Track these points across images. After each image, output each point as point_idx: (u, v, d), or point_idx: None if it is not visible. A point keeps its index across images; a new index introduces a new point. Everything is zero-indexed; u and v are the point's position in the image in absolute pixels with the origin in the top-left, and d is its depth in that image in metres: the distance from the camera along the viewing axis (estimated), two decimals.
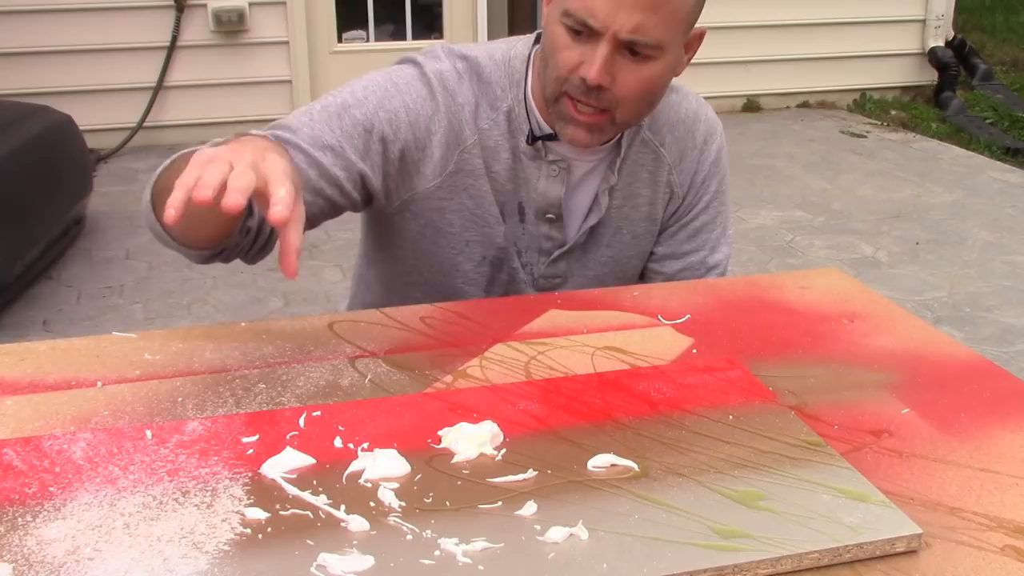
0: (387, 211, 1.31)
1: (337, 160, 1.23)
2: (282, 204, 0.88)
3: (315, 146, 1.22)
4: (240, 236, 1.16)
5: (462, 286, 1.35)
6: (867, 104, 5.98)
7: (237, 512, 0.78)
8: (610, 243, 1.37)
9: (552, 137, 1.28)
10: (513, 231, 1.33)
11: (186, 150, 1.18)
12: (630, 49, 1.15)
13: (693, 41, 1.23)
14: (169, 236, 1.15)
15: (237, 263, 1.26)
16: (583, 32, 1.15)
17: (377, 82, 1.27)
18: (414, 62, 1.30)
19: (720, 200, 1.42)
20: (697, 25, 1.22)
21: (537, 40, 1.30)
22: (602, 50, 1.14)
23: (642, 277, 1.45)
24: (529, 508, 0.79)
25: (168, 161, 1.16)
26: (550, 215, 1.32)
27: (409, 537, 0.76)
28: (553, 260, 1.36)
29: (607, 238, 1.37)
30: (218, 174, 0.87)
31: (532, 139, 1.28)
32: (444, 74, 1.27)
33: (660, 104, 1.34)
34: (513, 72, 1.28)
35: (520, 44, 1.31)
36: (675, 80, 1.36)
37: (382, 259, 1.41)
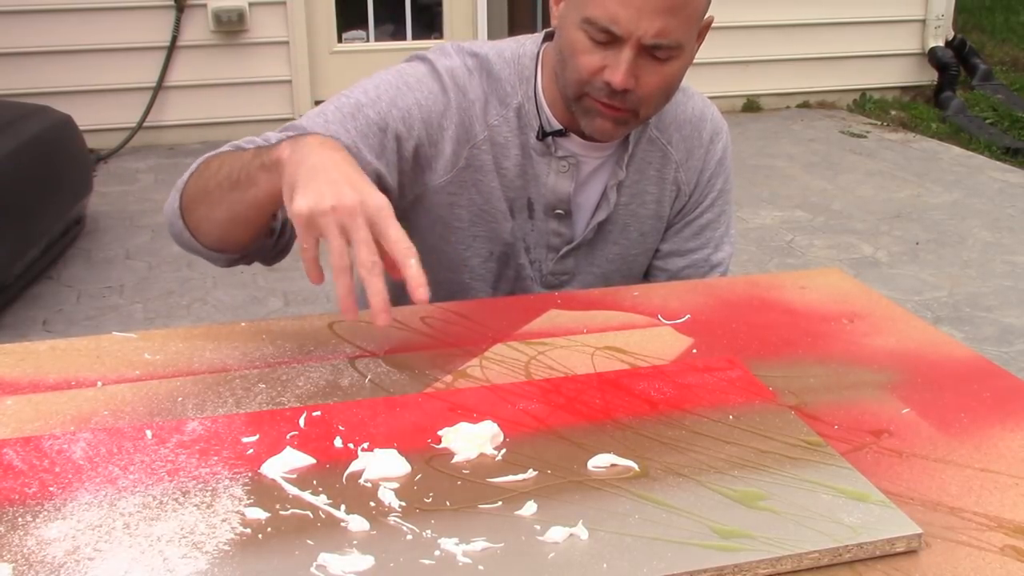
0: (400, 206, 1.32)
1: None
2: (422, 286, 0.95)
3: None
4: (265, 238, 1.17)
5: (469, 282, 1.36)
6: (867, 104, 5.97)
7: (237, 512, 0.78)
8: (617, 240, 1.38)
9: (561, 133, 1.29)
10: (522, 227, 1.34)
11: (212, 153, 1.17)
12: (653, 51, 1.16)
13: (703, 31, 1.24)
14: (199, 243, 1.17)
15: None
16: (605, 38, 1.15)
17: (388, 81, 1.27)
18: (424, 59, 1.30)
19: (724, 199, 1.43)
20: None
21: (546, 38, 1.31)
22: (626, 55, 1.15)
23: (646, 274, 1.45)
24: (529, 508, 0.79)
25: (196, 166, 1.16)
26: (559, 211, 1.33)
27: (409, 537, 0.76)
28: (561, 256, 1.37)
29: (615, 235, 1.37)
30: (345, 272, 0.95)
31: (542, 135, 1.28)
32: (455, 70, 1.28)
33: (667, 104, 1.35)
34: (523, 69, 1.29)
35: (529, 42, 1.32)
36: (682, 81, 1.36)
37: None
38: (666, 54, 1.16)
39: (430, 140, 1.27)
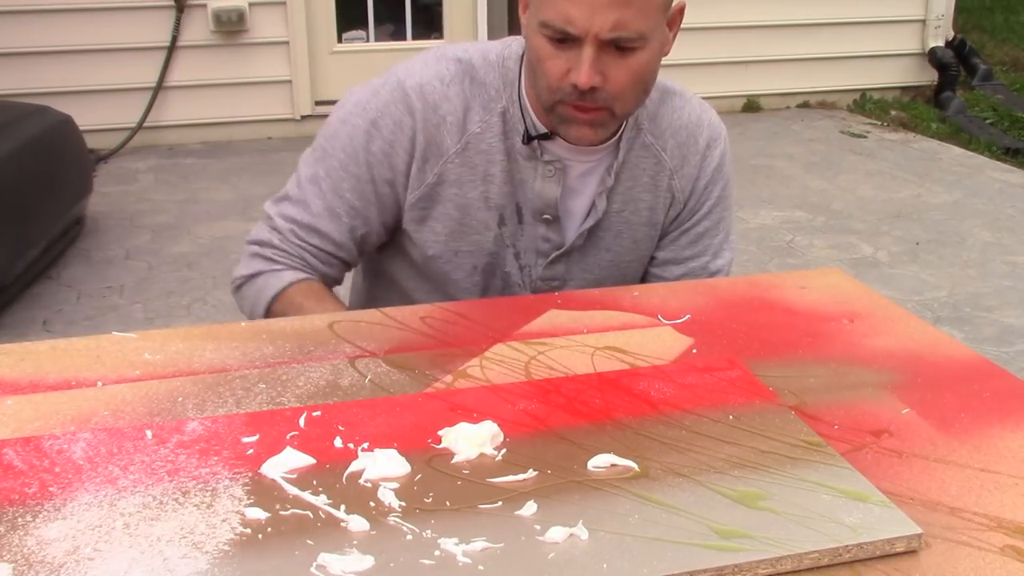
0: (387, 230, 1.36)
1: (357, 216, 1.31)
2: None
3: (339, 215, 1.30)
4: None
5: (456, 295, 1.36)
6: (867, 104, 5.97)
7: (237, 512, 0.78)
8: (610, 247, 1.37)
9: (547, 136, 1.28)
10: (512, 232, 1.33)
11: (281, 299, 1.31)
12: (614, 45, 1.15)
13: (675, 17, 1.23)
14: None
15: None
16: (564, 39, 1.15)
17: (358, 127, 1.29)
18: (396, 78, 1.30)
19: (723, 206, 1.41)
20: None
21: None
22: (587, 53, 1.14)
23: (643, 281, 1.44)
24: (529, 508, 0.79)
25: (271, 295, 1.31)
26: (547, 216, 1.32)
27: (409, 537, 0.76)
28: (551, 262, 1.36)
29: (607, 242, 1.36)
30: None
31: (528, 139, 1.28)
32: (425, 87, 1.27)
33: (662, 109, 1.34)
34: (507, 72, 1.29)
35: (515, 43, 1.31)
36: (679, 84, 1.36)
37: (382, 270, 1.43)
38: (628, 45, 1.15)
39: (405, 169, 1.30)
